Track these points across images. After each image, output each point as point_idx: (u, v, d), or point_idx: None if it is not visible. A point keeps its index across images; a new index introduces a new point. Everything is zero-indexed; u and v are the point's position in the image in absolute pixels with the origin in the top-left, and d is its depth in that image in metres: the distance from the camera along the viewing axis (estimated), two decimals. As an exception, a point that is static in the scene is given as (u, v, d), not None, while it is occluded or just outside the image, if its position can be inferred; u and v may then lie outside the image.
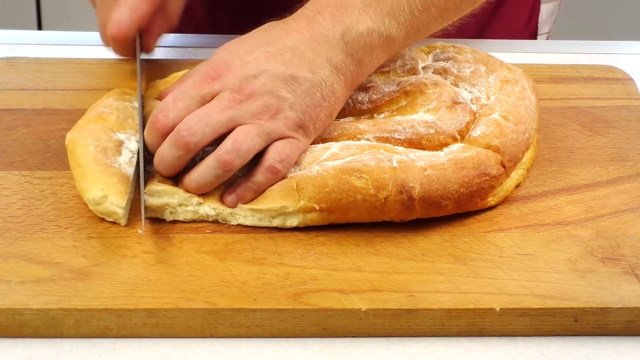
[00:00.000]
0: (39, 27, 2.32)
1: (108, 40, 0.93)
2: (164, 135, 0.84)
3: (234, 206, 0.85)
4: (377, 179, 0.85)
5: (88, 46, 1.12)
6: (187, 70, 0.94)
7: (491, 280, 0.81)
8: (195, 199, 0.85)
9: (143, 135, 0.87)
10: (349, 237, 0.85)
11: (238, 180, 0.85)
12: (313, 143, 0.88)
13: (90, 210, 0.86)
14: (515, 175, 0.91)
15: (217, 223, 0.86)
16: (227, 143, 0.83)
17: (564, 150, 0.96)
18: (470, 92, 0.94)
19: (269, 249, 0.84)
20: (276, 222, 0.86)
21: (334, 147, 0.87)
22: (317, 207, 0.85)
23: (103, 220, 0.85)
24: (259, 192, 0.85)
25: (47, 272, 0.80)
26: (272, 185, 0.85)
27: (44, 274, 0.80)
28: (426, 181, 0.85)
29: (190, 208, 0.86)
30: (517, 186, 0.91)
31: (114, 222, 0.85)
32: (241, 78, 0.84)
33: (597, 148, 0.97)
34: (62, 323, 0.78)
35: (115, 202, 0.84)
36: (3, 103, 0.99)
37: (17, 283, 0.79)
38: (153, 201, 0.85)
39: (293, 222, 0.85)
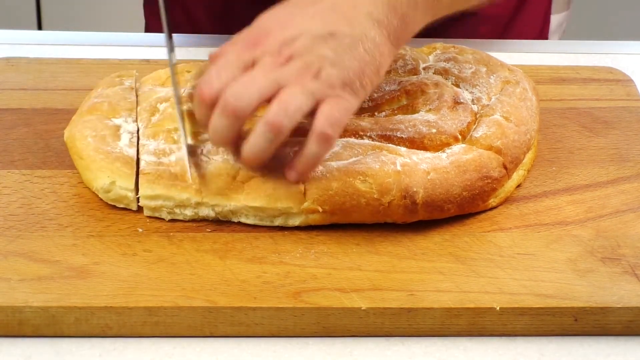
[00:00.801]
0: (39, 27, 2.32)
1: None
2: (211, 106, 0.82)
3: (297, 182, 0.84)
4: (381, 183, 0.84)
5: (88, 46, 1.12)
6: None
7: (491, 279, 0.81)
8: (194, 200, 0.85)
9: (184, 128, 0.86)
10: (349, 236, 0.85)
11: (295, 156, 0.83)
12: None
13: (91, 209, 0.86)
14: (516, 176, 0.91)
15: (217, 222, 0.86)
16: (272, 106, 0.81)
17: (564, 150, 0.96)
18: (471, 92, 0.94)
19: (269, 247, 0.84)
20: (278, 222, 0.86)
21: (336, 145, 0.87)
22: (321, 209, 0.85)
23: (103, 218, 0.85)
24: (317, 163, 0.83)
25: (47, 270, 0.80)
26: (326, 152, 0.82)
27: (44, 272, 0.80)
28: (429, 185, 0.85)
29: (188, 211, 0.85)
30: (517, 186, 0.91)
31: (113, 222, 0.85)
32: (280, 41, 0.82)
33: (597, 149, 0.97)
34: (62, 321, 0.78)
35: (124, 186, 0.85)
36: (3, 102, 0.99)
37: (17, 281, 0.79)
38: (149, 203, 0.85)
39: (295, 221, 0.85)
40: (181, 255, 0.82)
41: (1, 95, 1.00)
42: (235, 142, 0.83)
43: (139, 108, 0.92)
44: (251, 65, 0.82)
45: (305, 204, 0.84)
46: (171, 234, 0.85)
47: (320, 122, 0.81)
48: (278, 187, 0.85)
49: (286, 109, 0.80)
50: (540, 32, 1.27)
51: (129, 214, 0.86)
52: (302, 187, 0.85)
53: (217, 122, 0.81)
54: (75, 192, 0.88)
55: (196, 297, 0.78)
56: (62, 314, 0.77)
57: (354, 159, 0.86)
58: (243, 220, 0.86)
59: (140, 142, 0.88)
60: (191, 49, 1.12)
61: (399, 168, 0.85)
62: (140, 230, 0.85)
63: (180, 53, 1.11)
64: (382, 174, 0.85)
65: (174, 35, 1.13)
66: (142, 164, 0.86)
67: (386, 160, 0.85)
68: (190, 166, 0.85)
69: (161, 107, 0.91)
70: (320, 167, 0.85)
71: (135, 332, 0.78)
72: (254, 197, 0.85)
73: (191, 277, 0.80)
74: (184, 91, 0.91)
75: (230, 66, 0.83)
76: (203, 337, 0.79)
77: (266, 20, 0.85)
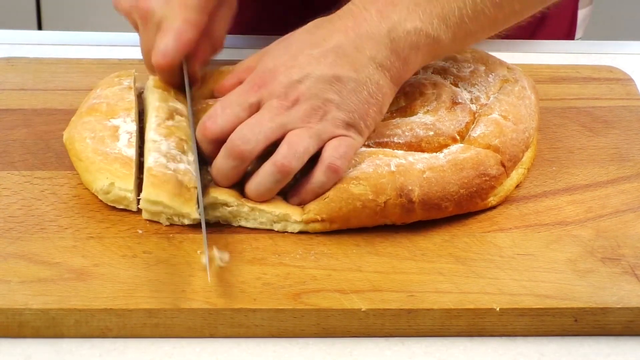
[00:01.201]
0: (39, 27, 2.32)
1: (152, 68, 0.91)
2: (212, 141, 0.85)
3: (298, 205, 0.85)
4: (375, 184, 0.85)
5: (88, 46, 1.12)
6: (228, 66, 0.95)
7: (491, 280, 0.81)
8: (195, 215, 0.84)
9: (196, 151, 0.87)
10: (349, 237, 0.85)
11: (300, 184, 0.85)
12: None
13: (91, 210, 0.86)
14: (516, 174, 0.91)
15: (217, 224, 0.86)
16: (282, 148, 0.83)
17: (564, 150, 0.96)
18: (469, 92, 0.94)
19: (269, 249, 0.84)
20: (278, 227, 0.86)
21: None
22: (319, 218, 0.85)
23: (103, 220, 0.85)
24: (321, 193, 0.85)
25: (47, 272, 0.80)
26: (333, 184, 0.85)
27: (44, 274, 0.80)
28: (425, 183, 0.85)
29: (186, 220, 0.85)
30: (517, 186, 0.91)
31: (113, 223, 0.85)
32: (286, 84, 0.84)
33: (597, 148, 0.97)
34: (62, 323, 0.78)
35: (123, 187, 0.85)
36: (3, 103, 0.99)
37: (17, 283, 0.79)
38: (149, 207, 0.85)
39: (295, 228, 0.85)
40: (181, 256, 0.82)
41: (1, 95, 1.00)
42: (235, 181, 0.85)
43: (157, 104, 0.91)
44: (256, 106, 0.84)
45: (305, 216, 0.84)
46: (171, 235, 0.85)
47: (329, 154, 0.84)
48: (280, 194, 0.85)
49: (295, 151, 0.83)
50: (569, 30, 1.27)
51: (129, 215, 0.86)
52: None
53: (223, 163, 0.84)
54: (75, 193, 0.88)
55: (196, 298, 0.78)
56: (62, 316, 0.77)
57: (350, 170, 0.86)
58: (243, 224, 0.86)
59: (150, 136, 0.88)
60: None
61: (393, 169, 0.85)
62: (140, 231, 0.85)
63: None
64: (375, 176, 0.85)
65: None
66: (150, 160, 0.85)
67: (380, 163, 0.86)
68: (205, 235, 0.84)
69: (176, 117, 0.90)
70: None
71: (135, 334, 0.78)
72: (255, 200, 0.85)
73: (191, 279, 0.80)
74: None
75: (235, 105, 0.84)
76: (203, 338, 0.79)
77: (271, 59, 0.87)
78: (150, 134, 0.88)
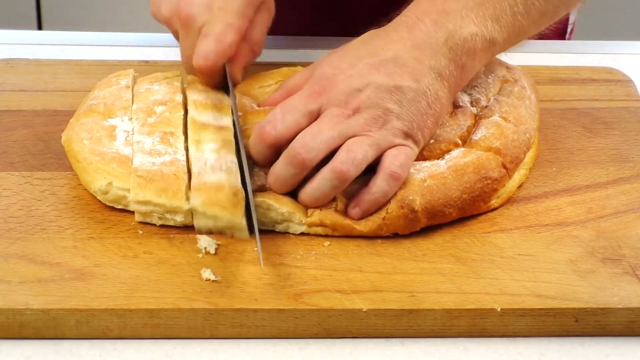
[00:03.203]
0: (39, 27, 2.32)
1: (194, 71, 0.91)
2: (270, 146, 0.85)
3: (359, 218, 0.85)
4: None
5: (88, 46, 1.12)
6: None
7: (492, 280, 0.81)
8: (186, 206, 0.84)
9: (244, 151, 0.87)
10: (349, 237, 0.85)
11: (360, 194, 0.85)
12: None
13: (91, 211, 0.86)
14: (518, 175, 0.91)
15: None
16: (340, 154, 0.83)
17: (564, 151, 0.96)
18: (469, 94, 0.94)
19: (270, 249, 0.84)
20: (280, 228, 0.85)
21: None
22: (321, 223, 0.85)
23: (104, 220, 0.85)
24: (383, 201, 0.84)
25: (48, 272, 0.80)
26: (395, 192, 0.84)
27: (44, 274, 0.80)
28: (427, 192, 0.85)
29: (178, 217, 0.85)
30: (519, 186, 0.91)
31: (114, 224, 0.85)
32: (346, 93, 0.84)
33: (597, 149, 0.97)
34: (62, 323, 0.78)
35: (121, 186, 0.85)
36: (3, 104, 0.99)
37: (18, 283, 0.79)
38: (139, 208, 0.85)
39: (296, 230, 0.85)
40: (182, 257, 0.82)
41: (1, 96, 1.00)
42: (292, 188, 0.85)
43: (135, 107, 0.92)
44: (316, 113, 0.85)
45: (309, 218, 0.84)
46: (171, 235, 0.85)
47: (390, 162, 0.84)
48: (286, 195, 0.85)
49: (354, 159, 0.82)
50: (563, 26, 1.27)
51: (129, 215, 0.86)
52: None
53: (283, 170, 0.84)
54: (75, 194, 0.88)
55: (197, 299, 0.78)
56: (63, 316, 0.77)
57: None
58: (237, 234, 0.85)
59: (135, 138, 0.88)
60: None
61: None
62: (140, 232, 0.85)
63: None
64: None
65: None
66: (135, 161, 0.86)
67: None
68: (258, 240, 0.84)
69: (158, 109, 0.91)
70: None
71: (136, 334, 0.78)
72: (262, 195, 0.85)
73: (192, 279, 0.80)
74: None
75: (296, 111, 0.84)
76: (204, 338, 0.79)
77: (328, 66, 0.87)
78: (134, 136, 0.88)
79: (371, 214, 0.84)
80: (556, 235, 0.86)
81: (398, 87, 0.84)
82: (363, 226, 0.84)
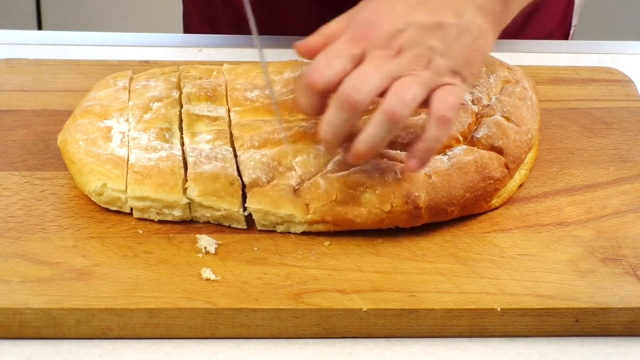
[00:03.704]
0: (39, 27, 2.32)
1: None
2: (319, 93, 0.82)
3: (417, 170, 0.83)
4: (381, 193, 0.84)
5: (88, 46, 1.12)
6: None
7: (492, 280, 0.81)
8: (184, 201, 0.85)
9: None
10: (349, 237, 0.85)
11: (414, 144, 0.83)
12: (317, 141, 0.88)
13: (91, 211, 0.86)
14: (518, 175, 0.91)
15: (218, 224, 0.86)
16: (389, 96, 0.81)
17: (564, 151, 0.96)
18: (471, 92, 0.94)
19: (270, 249, 0.84)
20: (280, 229, 0.85)
21: (337, 154, 0.86)
22: (323, 219, 0.84)
23: (103, 220, 0.85)
24: (438, 148, 0.83)
25: (48, 272, 0.80)
26: (446, 136, 0.83)
27: (44, 273, 0.80)
28: (431, 189, 0.85)
29: (176, 212, 0.85)
30: (519, 186, 0.91)
31: (114, 223, 0.85)
32: (388, 34, 0.82)
33: (597, 149, 0.97)
34: (62, 323, 0.78)
35: (116, 187, 0.85)
36: (3, 104, 0.99)
37: (18, 283, 0.79)
38: (136, 204, 0.85)
39: (297, 229, 0.85)
40: (182, 256, 0.82)
41: (1, 96, 1.00)
42: (343, 137, 0.83)
43: (131, 103, 0.92)
44: (360, 57, 0.82)
45: (309, 216, 0.84)
46: (171, 235, 0.85)
47: (439, 107, 0.81)
48: (283, 195, 0.85)
49: (404, 99, 0.80)
50: (564, 18, 1.26)
51: (129, 215, 0.86)
52: (303, 200, 0.85)
53: (335, 116, 0.81)
54: (75, 193, 0.88)
55: (197, 298, 0.78)
56: (63, 315, 0.77)
57: (354, 168, 0.85)
58: (234, 225, 0.85)
59: (131, 135, 0.88)
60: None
61: (398, 176, 0.85)
62: (140, 231, 0.85)
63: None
64: (382, 184, 0.85)
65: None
66: (132, 158, 0.86)
67: (385, 168, 0.85)
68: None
69: (154, 106, 0.91)
70: (322, 180, 0.85)
71: (136, 334, 0.78)
72: (258, 201, 0.85)
73: (192, 279, 0.80)
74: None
75: (340, 56, 0.82)
76: (204, 338, 0.79)
77: (368, 11, 0.85)
78: (130, 133, 0.89)
79: (427, 162, 0.83)
80: (556, 235, 0.86)
81: (440, 24, 0.82)
82: (365, 219, 0.84)
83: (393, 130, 0.81)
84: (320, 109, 0.83)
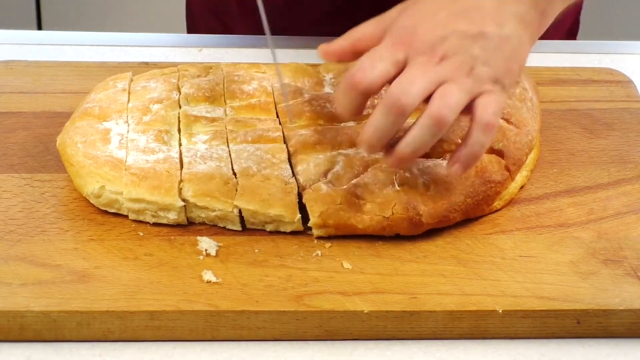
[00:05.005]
0: (39, 27, 2.32)
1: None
2: (362, 94, 0.82)
3: (460, 174, 0.84)
4: (380, 202, 0.85)
5: (88, 47, 1.12)
6: None
7: (493, 282, 0.81)
8: (179, 203, 0.84)
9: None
10: (351, 238, 0.85)
11: (457, 150, 0.83)
12: (317, 151, 0.88)
13: (92, 213, 0.86)
14: (519, 177, 0.91)
15: (218, 225, 0.86)
16: (435, 100, 0.81)
17: (565, 152, 0.96)
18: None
19: (271, 251, 0.84)
20: (270, 227, 0.85)
21: (338, 164, 0.87)
22: (325, 224, 0.84)
23: (104, 222, 0.85)
24: (482, 153, 0.83)
25: (48, 274, 0.80)
26: (490, 143, 0.83)
27: (45, 276, 0.80)
28: (430, 199, 0.85)
29: (172, 215, 0.85)
30: (520, 188, 0.91)
31: (114, 226, 0.85)
32: (431, 42, 0.83)
33: (598, 150, 0.97)
34: (63, 326, 0.77)
35: (114, 190, 0.85)
36: (3, 106, 0.99)
37: (18, 285, 0.79)
38: (132, 206, 0.85)
39: (287, 229, 0.85)
40: (182, 259, 0.82)
41: (0, 98, 1.00)
42: (388, 140, 0.83)
43: (130, 105, 0.92)
44: (403, 63, 0.83)
45: (311, 221, 0.84)
46: (172, 237, 0.84)
47: (483, 113, 0.82)
48: (273, 194, 0.85)
49: (449, 103, 0.81)
50: (575, 18, 1.27)
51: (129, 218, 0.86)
52: (295, 197, 0.85)
53: (382, 119, 0.81)
54: (76, 195, 0.88)
55: (198, 300, 0.78)
56: (64, 318, 0.77)
57: (354, 180, 0.86)
58: (229, 226, 0.85)
59: (129, 137, 0.88)
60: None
61: (397, 188, 0.85)
62: (141, 234, 0.85)
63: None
64: (381, 196, 0.85)
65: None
66: (129, 160, 0.86)
67: (385, 179, 0.85)
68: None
69: (153, 108, 0.91)
70: (324, 186, 0.85)
71: (137, 337, 0.78)
72: (248, 200, 0.84)
73: (193, 281, 0.80)
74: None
75: (384, 60, 0.83)
76: (205, 340, 0.79)
77: (409, 17, 0.85)
78: (129, 135, 0.88)
79: (470, 167, 0.83)
80: (557, 236, 0.86)
81: (482, 33, 0.83)
82: (367, 225, 0.84)
83: (437, 135, 0.81)
84: (358, 109, 0.83)
